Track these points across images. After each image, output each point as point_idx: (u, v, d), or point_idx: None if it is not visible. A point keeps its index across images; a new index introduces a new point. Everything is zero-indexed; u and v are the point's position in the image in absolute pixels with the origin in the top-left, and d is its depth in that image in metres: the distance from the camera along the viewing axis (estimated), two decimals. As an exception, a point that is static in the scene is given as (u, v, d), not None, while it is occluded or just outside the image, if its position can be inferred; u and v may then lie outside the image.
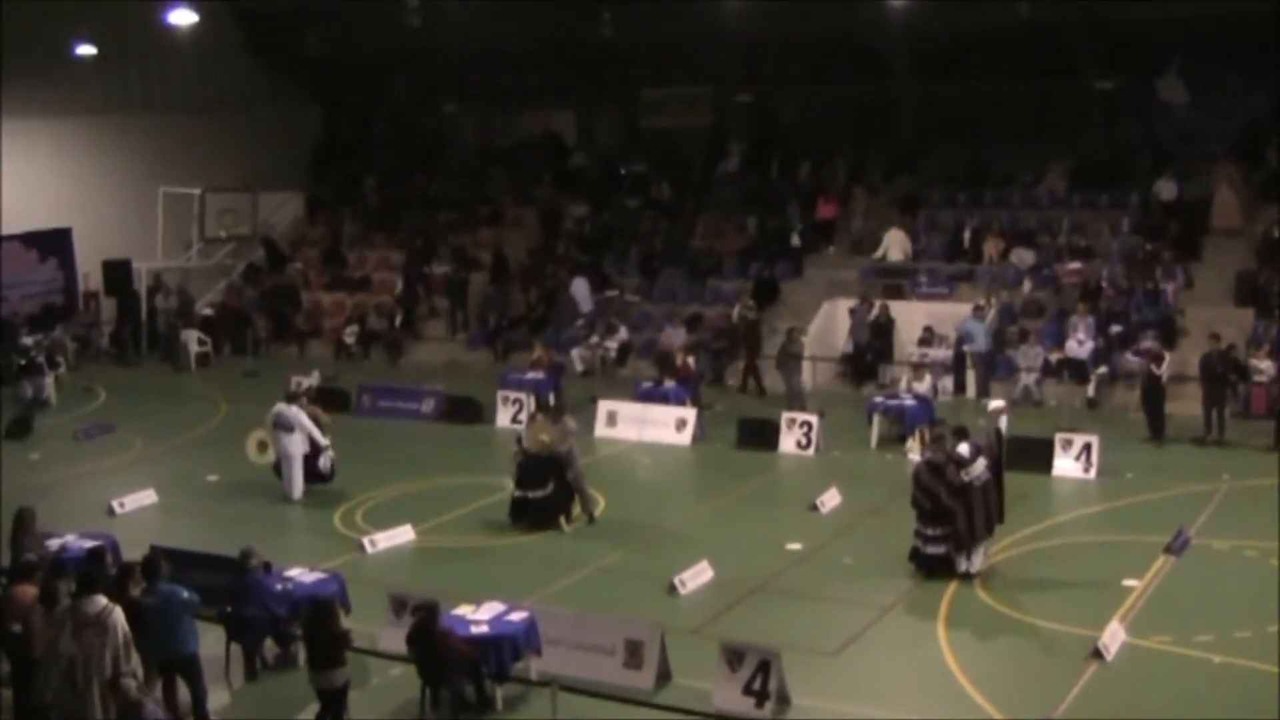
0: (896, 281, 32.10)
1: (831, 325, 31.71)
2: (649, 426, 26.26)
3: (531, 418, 22.25)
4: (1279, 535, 18.46)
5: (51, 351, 32.20)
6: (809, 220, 35.03)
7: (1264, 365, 26.02)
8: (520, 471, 20.49)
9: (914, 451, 19.00)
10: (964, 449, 17.63)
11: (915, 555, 17.88)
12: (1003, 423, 18.60)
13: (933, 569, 17.63)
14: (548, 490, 20.28)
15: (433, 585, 16.41)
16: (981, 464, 17.48)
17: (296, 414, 21.90)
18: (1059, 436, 22.79)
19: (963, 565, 17.41)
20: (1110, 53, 33.64)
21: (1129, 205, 32.68)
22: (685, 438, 25.87)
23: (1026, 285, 31.04)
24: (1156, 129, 34.34)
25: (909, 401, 25.31)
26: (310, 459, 22.10)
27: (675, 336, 30.57)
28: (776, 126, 39.60)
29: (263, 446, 22.14)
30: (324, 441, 22.15)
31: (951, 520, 17.39)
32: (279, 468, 22.05)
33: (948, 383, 28.72)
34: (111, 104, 36.79)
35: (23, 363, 30.36)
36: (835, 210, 35.11)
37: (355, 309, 36.69)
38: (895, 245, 32.96)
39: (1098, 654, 14.86)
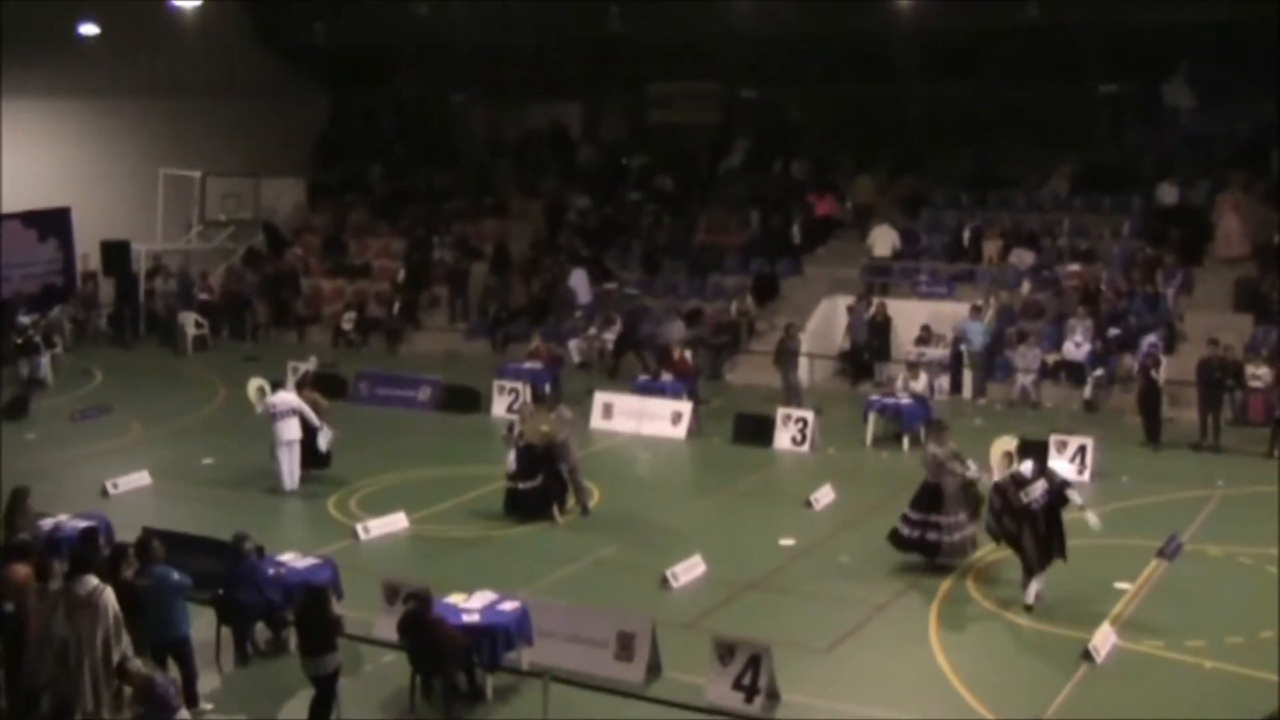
0: (883, 279, 32.09)
1: (830, 322, 31.73)
2: (645, 420, 26.26)
3: (523, 410, 22.23)
4: (1275, 541, 18.49)
5: (49, 331, 32.18)
6: (807, 217, 35.03)
7: (1261, 372, 26.00)
8: (510, 462, 20.45)
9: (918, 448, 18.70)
10: (1026, 468, 16.83)
11: (894, 536, 18.04)
12: (1073, 496, 16.88)
13: (908, 551, 17.91)
14: (537, 482, 20.26)
15: (426, 574, 16.43)
16: (1041, 486, 16.59)
17: (287, 398, 21.86)
18: (1054, 438, 22.76)
19: (1029, 596, 16.64)
20: (1117, 56, 33.63)
21: (1131, 209, 32.67)
22: (681, 431, 25.88)
23: (1026, 286, 31.02)
24: (1162, 134, 34.31)
25: (905, 400, 25.33)
26: (307, 442, 22.09)
27: (674, 330, 30.56)
28: (782, 124, 39.60)
29: (261, 392, 22.09)
30: (317, 423, 22.11)
31: (1016, 544, 16.83)
32: (275, 454, 21.95)
33: (944, 382, 28.74)
34: (117, 86, 36.77)
35: (19, 342, 30.33)
36: (833, 208, 35.14)
37: (355, 296, 36.68)
38: (882, 241, 32.97)
39: (1088, 656, 14.88)
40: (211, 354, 34.78)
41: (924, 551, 17.90)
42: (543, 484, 20.28)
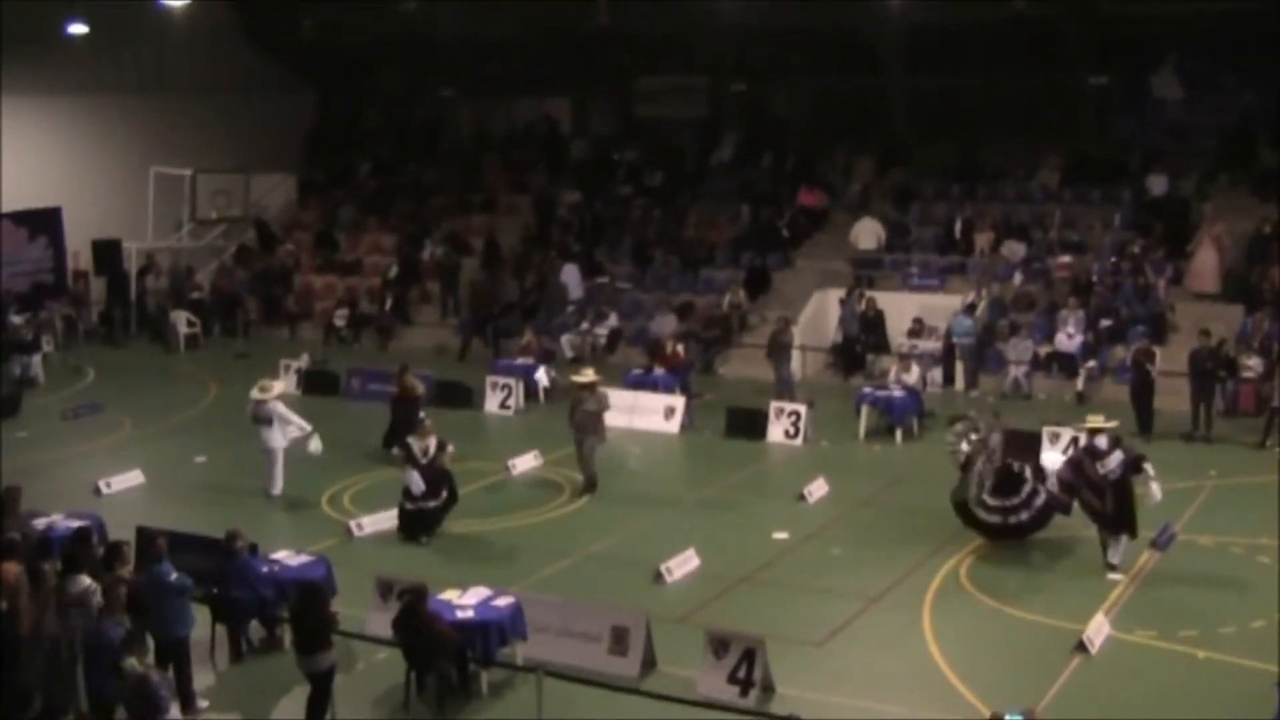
0: (870, 272, 32.09)
1: (821, 315, 31.74)
2: (638, 414, 26.21)
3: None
4: (1267, 531, 18.59)
5: (40, 330, 32.14)
6: (793, 209, 35.03)
7: (1252, 362, 26.03)
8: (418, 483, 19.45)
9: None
10: (1102, 441, 17.62)
11: (980, 526, 18.56)
12: (1148, 467, 17.81)
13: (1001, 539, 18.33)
14: (442, 499, 19.50)
15: (420, 570, 16.43)
16: (1118, 457, 17.46)
17: (272, 407, 21.32)
18: (1046, 430, 22.81)
19: (1114, 556, 17.46)
20: (1105, 48, 33.68)
21: (1121, 201, 32.69)
22: (674, 426, 25.87)
23: (1017, 278, 31.03)
24: (1150, 125, 34.34)
25: (897, 393, 25.35)
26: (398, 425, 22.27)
27: (666, 324, 30.58)
28: (770, 117, 39.59)
29: (264, 389, 21.58)
30: (307, 428, 21.59)
31: (1096, 512, 17.59)
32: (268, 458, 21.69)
33: (936, 374, 28.71)
34: (105, 85, 36.67)
35: (11, 341, 30.26)
36: (818, 199, 35.12)
37: (346, 292, 36.62)
38: (865, 234, 32.93)
39: (1082, 647, 14.91)
40: (203, 352, 34.70)
41: (1012, 535, 18.38)
42: (446, 501, 19.57)
